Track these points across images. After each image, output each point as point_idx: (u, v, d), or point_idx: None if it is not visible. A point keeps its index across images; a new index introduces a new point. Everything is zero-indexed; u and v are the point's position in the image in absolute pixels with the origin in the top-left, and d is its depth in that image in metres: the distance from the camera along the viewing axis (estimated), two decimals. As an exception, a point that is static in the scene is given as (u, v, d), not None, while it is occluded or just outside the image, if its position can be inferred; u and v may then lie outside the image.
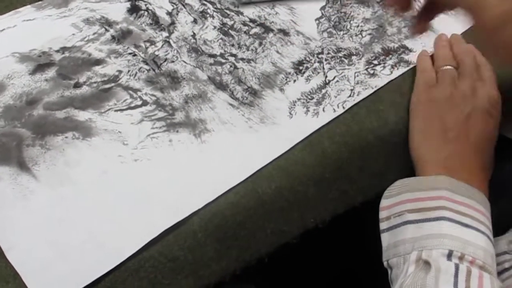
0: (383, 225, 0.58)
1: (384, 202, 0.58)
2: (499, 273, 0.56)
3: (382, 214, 0.58)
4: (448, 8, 0.57)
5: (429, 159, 0.60)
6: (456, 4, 0.52)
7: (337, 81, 0.68)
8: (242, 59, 0.68)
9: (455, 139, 0.60)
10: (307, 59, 0.70)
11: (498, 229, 0.60)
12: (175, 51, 0.68)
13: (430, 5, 0.59)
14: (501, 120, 0.78)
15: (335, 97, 0.66)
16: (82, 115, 0.60)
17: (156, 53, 0.67)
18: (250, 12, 0.74)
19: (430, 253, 0.52)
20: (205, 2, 0.74)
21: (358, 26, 0.75)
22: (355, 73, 0.69)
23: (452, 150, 0.59)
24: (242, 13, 0.73)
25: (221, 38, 0.70)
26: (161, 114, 0.62)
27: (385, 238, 0.57)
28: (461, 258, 0.52)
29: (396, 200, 0.57)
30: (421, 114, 0.63)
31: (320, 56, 0.70)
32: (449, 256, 0.52)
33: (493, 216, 0.64)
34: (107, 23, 0.69)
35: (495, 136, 0.63)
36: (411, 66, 0.70)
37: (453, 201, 0.55)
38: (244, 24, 0.72)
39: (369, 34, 0.74)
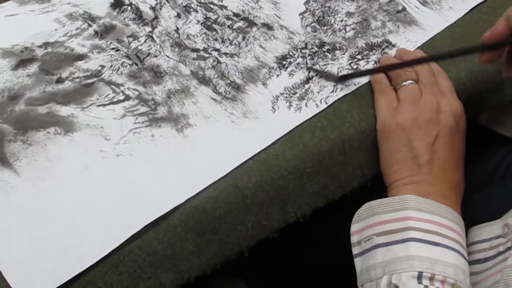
0: (355, 250, 0.58)
1: (354, 227, 0.58)
2: (494, 257, 0.57)
3: (353, 239, 0.58)
4: None
5: (400, 184, 0.60)
6: None
7: (321, 76, 0.68)
8: (226, 53, 0.68)
9: (426, 164, 0.60)
10: (291, 53, 0.70)
11: (493, 214, 0.60)
12: (158, 46, 0.68)
13: None
14: (488, 114, 0.79)
15: (318, 92, 0.66)
16: (64, 110, 0.61)
17: (139, 48, 0.67)
18: (234, 6, 0.74)
19: (400, 277, 0.52)
20: (188, -3, 0.74)
21: (342, 20, 0.75)
22: (338, 68, 0.69)
23: (424, 175, 0.59)
24: (226, 7, 0.73)
25: (205, 33, 0.70)
26: (143, 109, 0.62)
27: (358, 263, 0.57)
28: (431, 278, 0.52)
29: (365, 224, 0.58)
30: (389, 141, 0.62)
31: (303, 51, 0.70)
32: (419, 278, 0.52)
33: (487, 202, 0.64)
34: (90, 18, 0.69)
35: (463, 151, 0.63)
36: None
37: (420, 220, 0.55)
38: (228, 18, 0.72)
39: (353, 28, 0.74)
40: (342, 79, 0.68)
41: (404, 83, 0.64)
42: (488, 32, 0.59)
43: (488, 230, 0.59)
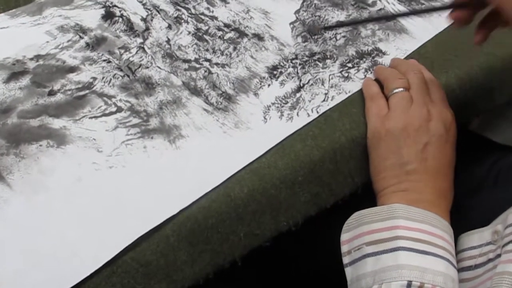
0: (345, 260, 0.58)
1: (343, 236, 0.59)
2: (484, 264, 0.57)
3: (344, 249, 0.59)
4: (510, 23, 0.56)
5: (388, 192, 0.60)
6: None
7: (312, 84, 0.68)
8: (217, 64, 0.69)
9: (414, 171, 0.60)
10: (281, 63, 0.70)
11: (483, 221, 0.61)
12: (150, 57, 0.68)
13: (491, 17, 0.60)
14: (479, 120, 0.80)
15: (309, 101, 0.67)
16: (56, 123, 0.61)
17: (131, 59, 0.68)
18: (225, 17, 0.74)
19: (389, 286, 0.53)
20: (179, 8, 0.74)
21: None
22: (330, 75, 0.70)
23: (412, 183, 0.60)
24: (216, 18, 0.74)
25: (196, 43, 0.71)
26: (135, 120, 0.62)
27: (349, 273, 0.57)
28: (420, 287, 0.52)
29: (354, 234, 0.58)
30: (379, 148, 0.62)
31: (294, 61, 0.71)
32: (408, 287, 0.52)
33: (478, 208, 0.65)
34: (81, 30, 0.69)
35: (453, 159, 0.63)
36: (384, 69, 0.71)
37: (409, 229, 0.56)
38: (219, 29, 0.73)
39: (343, 36, 0.75)
40: (326, 29, 0.71)
41: (395, 91, 0.65)
42: None
43: (478, 237, 0.60)
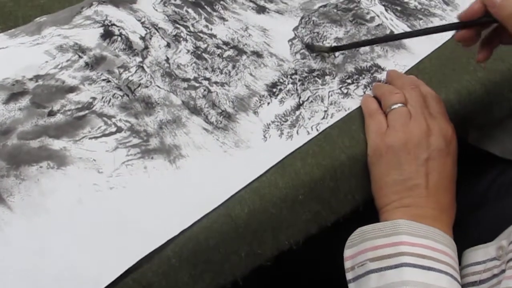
0: (348, 276, 0.58)
1: (347, 252, 0.59)
2: (488, 279, 0.57)
3: (347, 265, 0.59)
4: None
5: (391, 208, 0.60)
6: None
7: (311, 101, 0.68)
8: (216, 82, 0.69)
9: (416, 187, 0.60)
10: (281, 80, 0.70)
11: (486, 236, 0.61)
12: (149, 76, 0.68)
13: (494, 34, 0.61)
14: (476, 133, 0.80)
15: (309, 119, 0.67)
16: (56, 144, 0.61)
17: (130, 78, 0.68)
18: (224, 34, 0.74)
19: None
20: (178, 26, 0.74)
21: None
22: (329, 92, 0.70)
23: (414, 198, 0.60)
24: (215, 36, 0.74)
25: (195, 62, 0.71)
26: (135, 140, 0.62)
27: None
28: None
29: (358, 250, 0.58)
30: (380, 165, 0.62)
31: (293, 77, 0.71)
32: None
33: (481, 224, 0.65)
34: (80, 50, 0.69)
35: (454, 173, 0.63)
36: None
37: (412, 245, 0.56)
38: (218, 47, 0.73)
39: (342, 53, 0.75)
40: (333, 50, 0.72)
41: (393, 107, 0.65)
42: (464, 10, 0.60)
43: (482, 252, 0.60)
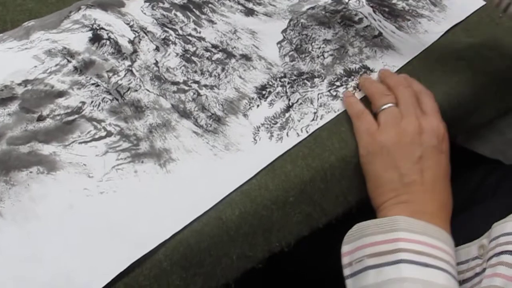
0: (346, 271, 0.58)
1: (344, 248, 0.59)
2: (471, 278, 0.58)
3: (344, 260, 0.59)
4: None
5: (389, 205, 0.61)
6: None
7: (301, 103, 0.69)
8: (205, 85, 0.69)
9: (412, 183, 0.60)
10: (270, 83, 0.71)
11: (470, 235, 0.61)
12: (138, 80, 0.68)
13: None
14: (465, 134, 0.80)
15: (299, 121, 0.67)
16: (46, 149, 0.61)
17: (119, 82, 0.68)
18: (212, 37, 0.75)
19: None
20: (167, 29, 0.74)
21: (319, 47, 0.76)
22: (318, 94, 0.70)
23: (412, 194, 0.60)
24: (204, 39, 0.74)
25: (184, 65, 0.71)
26: (125, 144, 0.62)
27: (349, 284, 0.58)
28: None
29: (356, 246, 0.58)
30: (374, 164, 0.63)
31: (283, 79, 0.71)
32: None
33: (467, 224, 0.65)
34: (69, 54, 0.69)
35: (448, 170, 0.64)
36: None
37: (411, 241, 0.56)
38: (207, 50, 0.73)
39: (331, 55, 0.75)
40: None
41: (384, 107, 0.65)
42: None
43: (465, 252, 0.60)
